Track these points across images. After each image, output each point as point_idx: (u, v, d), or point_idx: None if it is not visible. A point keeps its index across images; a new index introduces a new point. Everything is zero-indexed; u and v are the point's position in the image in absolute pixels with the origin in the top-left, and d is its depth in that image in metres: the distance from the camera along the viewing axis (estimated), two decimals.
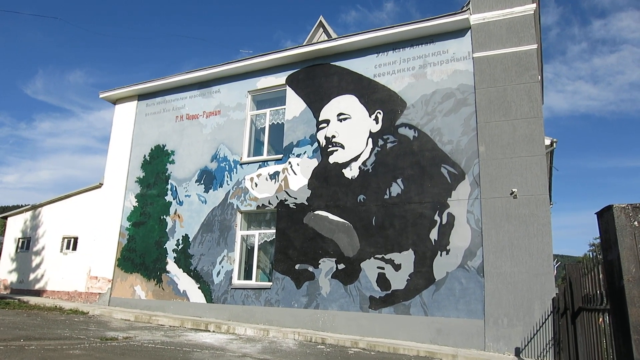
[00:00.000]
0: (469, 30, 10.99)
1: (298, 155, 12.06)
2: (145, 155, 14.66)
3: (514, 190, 9.62)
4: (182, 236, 13.19)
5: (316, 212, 11.42)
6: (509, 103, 10.23)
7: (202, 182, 13.35)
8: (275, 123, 13.09)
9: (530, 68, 10.28)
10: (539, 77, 10.96)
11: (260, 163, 12.61)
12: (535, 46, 10.43)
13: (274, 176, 12.29)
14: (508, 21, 10.72)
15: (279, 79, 13.02)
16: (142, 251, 13.75)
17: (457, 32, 11.09)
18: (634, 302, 2.57)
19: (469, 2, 11.11)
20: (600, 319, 4.57)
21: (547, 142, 11.17)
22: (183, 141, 14.07)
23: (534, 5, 10.65)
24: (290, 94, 12.73)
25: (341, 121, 11.75)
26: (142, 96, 15.41)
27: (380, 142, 11.13)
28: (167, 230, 13.52)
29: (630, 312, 2.58)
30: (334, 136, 11.72)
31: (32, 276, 16.07)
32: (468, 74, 10.71)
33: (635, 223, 2.68)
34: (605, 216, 2.90)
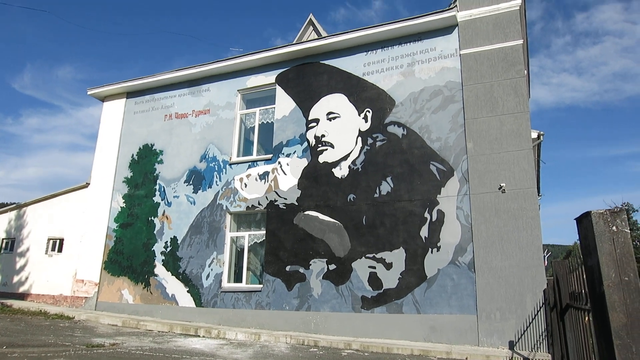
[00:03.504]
0: (456, 28, 11.10)
1: (288, 155, 12.09)
2: (133, 155, 14.58)
3: (502, 185, 9.75)
4: (171, 238, 13.15)
5: (306, 213, 11.46)
6: (496, 99, 10.35)
7: (190, 182, 13.32)
8: (265, 122, 13.10)
9: (517, 63, 10.41)
10: (525, 71, 11.07)
11: (250, 163, 12.60)
12: (521, 41, 10.58)
13: (263, 176, 12.30)
14: (494, 17, 10.85)
15: (269, 77, 13.04)
16: (129, 254, 13.69)
17: (445, 29, 11.19)
18: (615, 307, 2.65)
19: (455, 0, 11.17)
20: (587, 318, 4.68)
21: (534, 135, 11.40)
22: (172, 140, 14.03)
23: (519, 1, 10.77)
24: (280, 93, 12.76)
25: (331, 120, 11.80)
26: (130, 94, 15.33)
27: (370, 141, 11.20)
28: (155, 232, 13.47)
29: (612, 317, 2.66)
30: (323, 135, 11.76)
31: (16, 279, 15.81)
32: (455, 71, 10.82)
33: (614, 228, 2.76)
34: (584, 222, 2.98)
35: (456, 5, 11.07)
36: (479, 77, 10.60)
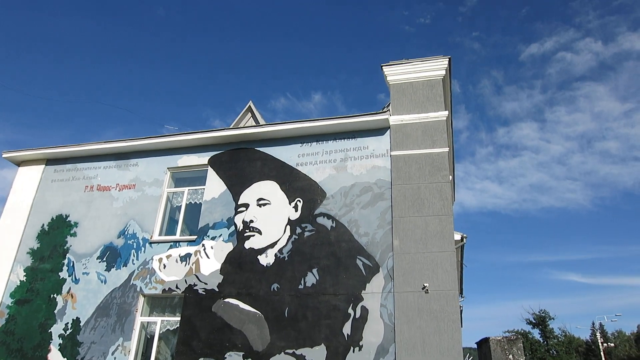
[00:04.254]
0: (388, 130, 11.64)
1: (213, 238, 11.68)
2: (44, 225, 13.46)
3: (425, 284, 9.75)
4: (73, 319, 11.86)
5: (227, 300, 10.87)
6: (422, 200, 10.65)
7: (104, 259, 12.38)
8: (193, 202, 12.74)
9: (442, 169, 10.90)
10: (451, 177, 11.68)
11: (172, 243, 12.01)
12: (446, 149, 11.16)
13: (185, 258, 11.71)
14: (423, 124, 11.50)
15: (202, 158, 12.89)
16: (21, 334, 12.10)
17: (377, 130, 11.71)
18: None
19: (389, 104, 11.87)
20: None
21: (458, 237, 11.85)
22: (90, 213, 13.18)
23: (446, 112, 11.58)
24: (212, 174, 12.59)
25: (260, 206, 11.68)
26: (51, 161, 14.45)
27: (298, 230, 11.11)
28: (55, 311, 12.11)
29: None
30: (252, 221, 11.56)
31: None
32: (386, 170, 11.18)
33: (510, 357, 2.77)
34: (483, 348, 3.03)
35: (389, 110, 11.72)
36: (407, 178, 10.97)
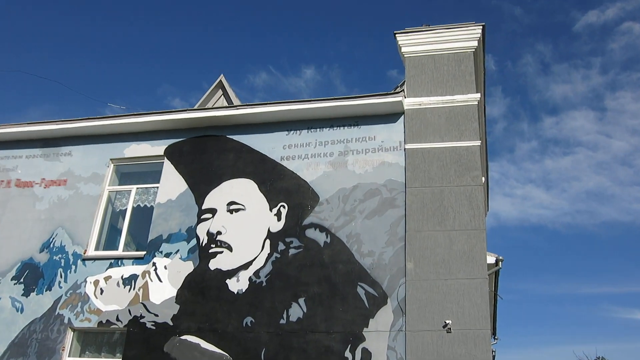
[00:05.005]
0: (402, 116, 11.26)
1: (168, 255, 11.19)
2: None
3: (447, 322, 9.35)
4: None
5: (183, 338, 10.33)
6: (446, 209, 10.24)
7: (21, 280, 11.80)
8: (142, 206, 12.35)
9: (473, 168, 10.50)
10: (483, 179, 11.56)
11: (113, 261, 11.52)
12: (478, 143, 10.77)
13: (129, 281, 11.19)
14: (448, 110, 11.09)
15: (156, 148, 12.50)
16: None
17: (388, 116, 11.33)
18: None
19: (403, 83, 11.52)
20: None
21: (491, 259, 11.61)
22: (4, 217, 12.64)
23: (478, 95, 11.18)
24: (168, 169, 12.17)
25: (232, 213, 11.26)
26: None
27: (281, 247, 10.63)
28: None
29: None
30: (219, 232, 11.10)
31: None
32: (398, 169, 10.78)
33: None
34: None
35: (403, 90, 11.33)
36: (426, 180, 10.55)
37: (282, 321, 10.00)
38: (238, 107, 12.13)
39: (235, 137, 12.06)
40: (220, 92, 16.20)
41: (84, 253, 11.76)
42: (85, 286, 11.35)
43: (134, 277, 11.18)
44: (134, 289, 11.06)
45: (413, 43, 11.85)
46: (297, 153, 11.52)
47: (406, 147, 10.92)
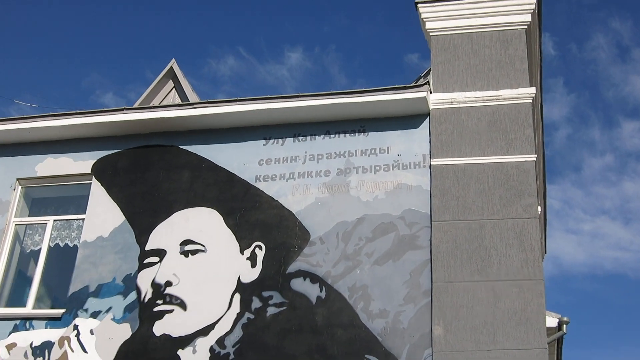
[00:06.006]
0: (427, 118, 10.99)
1: (95, 315, 10.84)
2: None
3: None
4: None
5: None
6: (488, 250, 9.95)
7: None
8: (62, 245, 12.06)
9: (526, 193, 10.23)
10: (540, 209, 11.11)
11: (18, 322, 11.17)
12: (534, 157, 10.51)
13: (40, 351, 10.82)
14: (491, 110, 10.83)
15: (80, 163, 12.25)
16: None
17: (407, 118, 11.08)
18: None
19: (428, 72, 11.36)
20: None
21: (552, 322, 11.46)
22: None
23: (533, 89, 10.88)
24: (98, 193, 11.91)
25: (187, 255, 10.96)
26: None
27: (256, 304, 10.29)
28: None
29: None
30: (169, 283, 10.78)
31: None
32: (421, 194, 10.46)
33: None
34: None
35: (428, 82, 11.01)
36: (460, 210, 10.24)
37: None
38: (195, 106, 11.92)
39: (192, 148, 11.79)
40: (170, 84, 16.21)
41: None
42: None
43: (47, 346, 10.89)
44: None
45: (442, 16, 11.58)
46: (279, 171, 11.21)
47: (432, 163, 10.58)
